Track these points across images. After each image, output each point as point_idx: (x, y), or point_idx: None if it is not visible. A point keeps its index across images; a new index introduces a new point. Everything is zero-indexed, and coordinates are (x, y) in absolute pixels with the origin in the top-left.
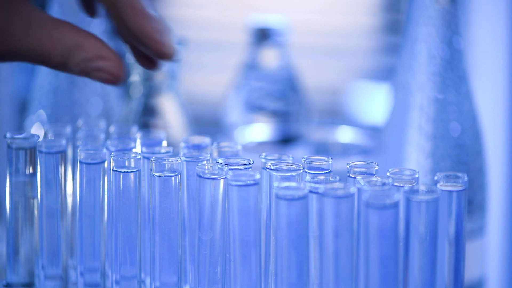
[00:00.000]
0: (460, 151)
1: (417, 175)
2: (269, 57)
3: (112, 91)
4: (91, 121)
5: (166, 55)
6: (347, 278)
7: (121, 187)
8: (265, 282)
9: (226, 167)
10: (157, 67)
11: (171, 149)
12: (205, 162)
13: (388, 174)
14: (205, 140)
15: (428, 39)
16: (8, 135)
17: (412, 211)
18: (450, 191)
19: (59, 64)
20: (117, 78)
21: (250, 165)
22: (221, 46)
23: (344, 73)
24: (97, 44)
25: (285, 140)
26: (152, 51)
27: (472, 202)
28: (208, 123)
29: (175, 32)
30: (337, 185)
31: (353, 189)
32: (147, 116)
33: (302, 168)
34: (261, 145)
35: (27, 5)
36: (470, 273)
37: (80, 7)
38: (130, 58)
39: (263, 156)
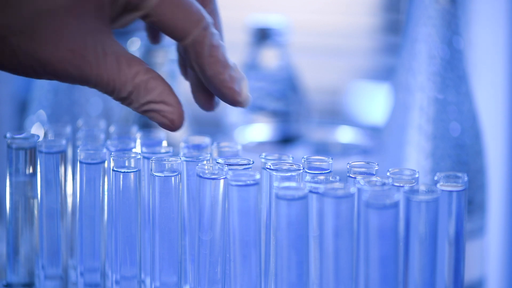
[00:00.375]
0: (460, 151)
1: (417, 175)
2: (269, 57)
3: None
4: (91, 121)
5: (240, 103)
6: (347, 278)
7: (121, 187)
8: (265, 282)
9: (226, 167)
10: (213, 110)
11: (171, 149)
12: (205, 162)
13: (388, 174)
14: (205, 140)
15: (428, 39)
16: (8, 135)
17: (412, 211)
18: (450, 191)
19: (123, 99)
20: (175, 126)
21: (250, 165)
22: None
23: (344, 73)
24: (164, 88)
25: (285, 140)
26: (227, 100)
27: (472, 202)
28: (208, 123)
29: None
30: (337, 185)
31: (353, 189)
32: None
33: (302, 168)
34: (261, 145)
35: (108, 36)
36: (470, 273)
37: (146, 31)
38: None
39: (263, 156)
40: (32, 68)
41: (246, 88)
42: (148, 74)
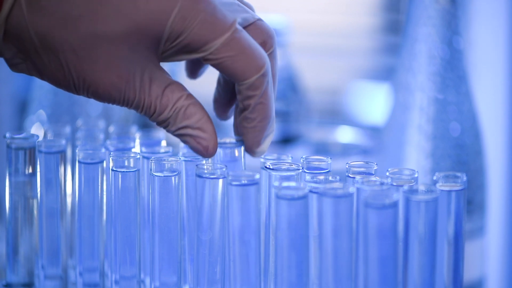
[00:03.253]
0: (460, 151)
1: (416, 175)
2: None
3: None
4: (91, 121)
5: (254, 154)
6: (346, 278)
7: (120, 187)
8: (265, 282)
9: (225, 168)
10: (225, 119)
11: (170, 149)
12: (204, 162)
13: (387, 174)
14: None
15: (428, 39)
16: (7, 135)
17: (412, 211)
18: (449, 191)
19: (161, 122)
20: (209, 153)
21: (239, 142)
22: None
23: (344, 73)
24: (203, 116)
25: (285, 140)
26: (246, 143)
27: (471, 202)
28: None
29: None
30: (336, 185)
31: (352, 189)
32: None
33: (301, 168)
34: None
35: (155, 63)
36: (470, 273)
37: (185, 65)
38: None
39: (262, 156)
40: (74, 85)
41: (268, 143)
42: (188, 100)
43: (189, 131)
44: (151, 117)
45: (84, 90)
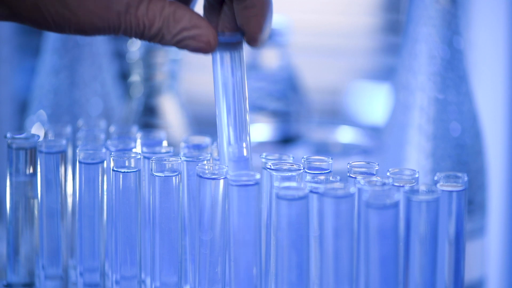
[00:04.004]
0: (460, 151)
1: (417, 175)
2: (270, 57)
3: (112, 91)
4: (91, 121)
5: (257, 42)
6: (347, 278)
7: (121, 187)
8: (266, 282)
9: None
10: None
11: (171, 149)
12: (205, 162)
13: (388, 174)
14: (205, 140)
15: (428, 39)
16: (8, 135)
17: (413, 211)
18: (450, 191)
19: (157, 36)
20: (212, 47)
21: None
22: None
23: (344, 73)
24: (192, 14)
25: (285, 140)
26: (249, 32)
27: (472, 202)
28: (208, 123)
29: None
30: (337, 185)
31: (353, 189)
32: (147, 116)
33: (302, 168)
34: (261, 145)
35: None
36: (470, 273)
37: None
38: (131, 59)
39: (263, 156)
40: (54, 23)
41: (269, 31)
42: (173, 6)
43: (185, 33)
44: (143, 34)
45: (66, 26)
